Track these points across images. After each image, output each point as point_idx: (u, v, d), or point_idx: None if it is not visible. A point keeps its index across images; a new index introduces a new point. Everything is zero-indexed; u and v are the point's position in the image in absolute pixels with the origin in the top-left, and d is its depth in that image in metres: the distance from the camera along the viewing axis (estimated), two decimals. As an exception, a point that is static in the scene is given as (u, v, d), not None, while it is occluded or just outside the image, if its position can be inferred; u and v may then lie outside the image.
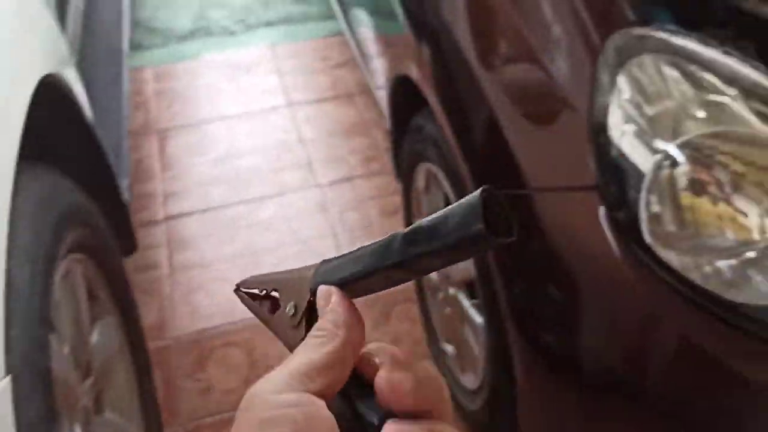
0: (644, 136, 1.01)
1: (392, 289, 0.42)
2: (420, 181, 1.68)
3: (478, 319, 1.40)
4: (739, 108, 0.98)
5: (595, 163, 1.04)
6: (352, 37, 2.31)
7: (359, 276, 0.39)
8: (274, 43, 3.10)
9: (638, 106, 1.02)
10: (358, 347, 0.38)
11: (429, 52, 1.40)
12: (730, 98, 0.99)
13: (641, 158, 1.01)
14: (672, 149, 0.98)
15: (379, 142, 2.52)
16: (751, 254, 0.96)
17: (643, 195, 0.99)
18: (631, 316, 1.03)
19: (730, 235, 0.98)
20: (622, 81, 1.03)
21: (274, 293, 0.43)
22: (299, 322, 0.41)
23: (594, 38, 1.08)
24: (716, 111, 0.99)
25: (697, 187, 0.99)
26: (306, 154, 2.50)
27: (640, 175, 0.99)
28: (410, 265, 0.37)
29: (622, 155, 1.02)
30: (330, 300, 0.39)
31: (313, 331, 0.38)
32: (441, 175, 1.45)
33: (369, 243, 0.40)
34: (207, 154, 2.54)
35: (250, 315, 0.44)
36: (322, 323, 0.38)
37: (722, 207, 0.98)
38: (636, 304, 1.01)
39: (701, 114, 0.99)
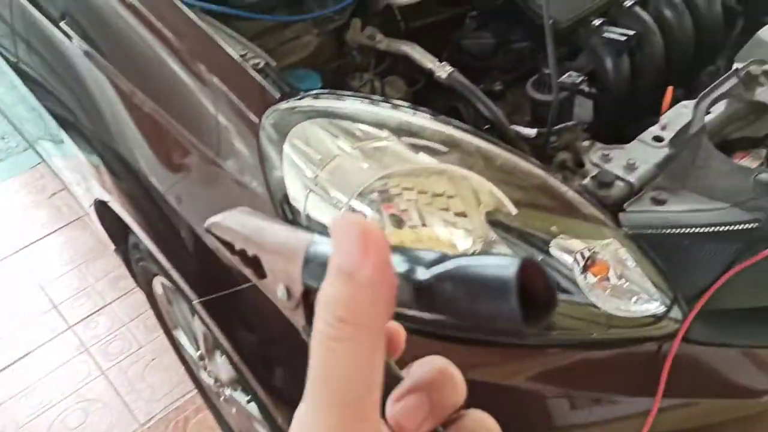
0: (326, 198, 1.04)
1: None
2: (160, 292, 1.61)
3: (257, 413, 1.37)
4: (395, 147, 1.05)
5: (291, 237, 1.05)
6: (48, 167, 2.18)
7: None
8: (-23, 191, 2.83)
9: (311, 172, 1.05)
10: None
11: (112, 176, 1.35)
12: (385, 140, 1.05)
13: (330, 216, 1.04)
14: (354, 202, 1.02)
15: (123, 258, 2.39)
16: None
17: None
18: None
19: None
20: (288, 153, 1.06)
21: (254, 254, 0.36)
22: (297, 306, 0.35)
23: (253, 121, 1.10)
24: (379, 155, 1.05)
25: (396, 223, 1.04)
26: (48, 299, 2.30)
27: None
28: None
29: (312, 221, 1.04)
30: None
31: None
32: (170, 286, 1.40)
33: None
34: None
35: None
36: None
37: (422, 232, 1.04)
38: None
39: (367, 163, 1.04)
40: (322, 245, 0.34)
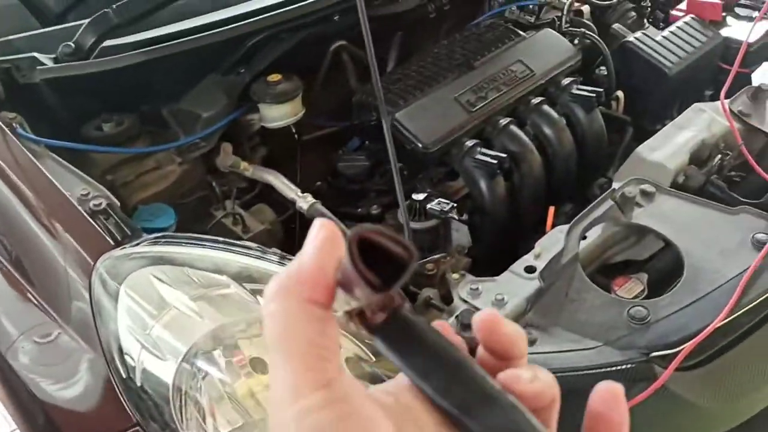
0: (161, 351, 0.95)
1: None
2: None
3: None
4: (234, 294, 0.96)
5: (123, 395, 0.96)
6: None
7: None
8: None
9: (146, 324, 0.96)
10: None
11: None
12: (224, 288, 0.97)
13: (166, 371, 0.94)
14: (195, 357, 0.93)
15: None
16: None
17: (173, 409, 0.92)
18: None
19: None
20: (122, 303, 0.98)
21: None
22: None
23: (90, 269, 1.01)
24: (217, 303, 0.97)
25: (233, 373, 0.94)
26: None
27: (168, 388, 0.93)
28: None
29: (149, 376, 0.95)
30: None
31: None
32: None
33: None
34: None
35: None
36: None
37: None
38: None
39: (204, 312, 0.96)
40: None
